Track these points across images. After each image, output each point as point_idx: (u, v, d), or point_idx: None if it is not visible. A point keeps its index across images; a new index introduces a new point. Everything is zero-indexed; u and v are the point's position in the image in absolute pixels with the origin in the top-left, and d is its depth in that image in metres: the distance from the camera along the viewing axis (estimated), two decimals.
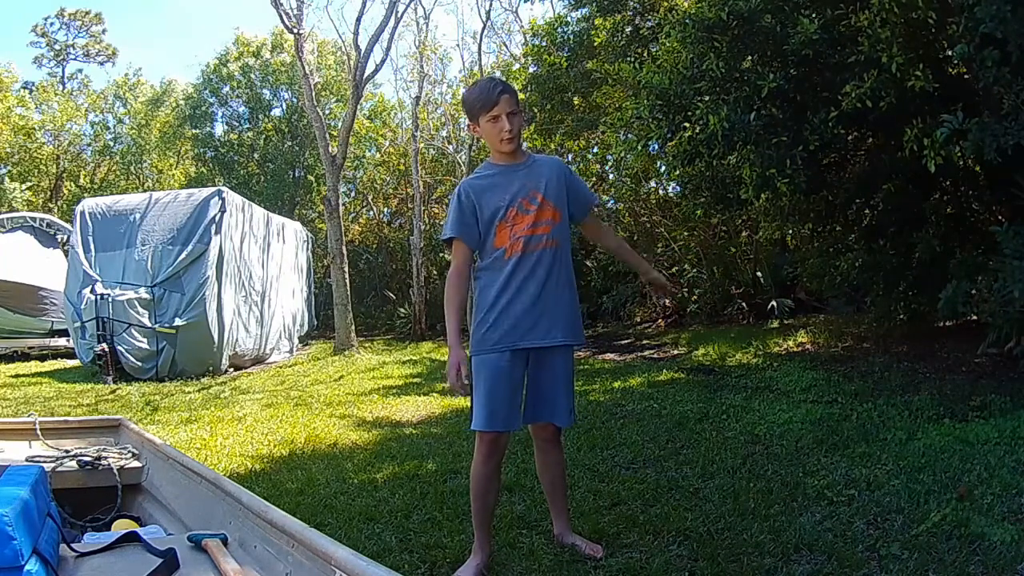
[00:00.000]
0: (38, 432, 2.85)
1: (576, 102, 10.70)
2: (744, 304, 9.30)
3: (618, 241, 2.70)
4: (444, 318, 2.39)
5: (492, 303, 2.34)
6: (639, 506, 2.88)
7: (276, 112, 19.68)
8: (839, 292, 7.20)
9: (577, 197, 2.49)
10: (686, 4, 6.17)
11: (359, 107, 13.17)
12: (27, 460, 2.53)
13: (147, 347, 8.00)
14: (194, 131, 19.61)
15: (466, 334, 2.41)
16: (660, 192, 11.10)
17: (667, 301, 2.66)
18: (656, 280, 2.69)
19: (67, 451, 2.67)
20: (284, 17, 10.47)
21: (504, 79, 2.60)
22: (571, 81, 10.46)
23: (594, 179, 13.01)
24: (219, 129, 20.03)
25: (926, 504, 2.67)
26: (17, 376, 8.56)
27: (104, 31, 27.00)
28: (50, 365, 9.81)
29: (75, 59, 26.34)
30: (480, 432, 2.34)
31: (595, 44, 8.87)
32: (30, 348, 10.69)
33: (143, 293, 8.08)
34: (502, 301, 2.34)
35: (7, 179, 18.56)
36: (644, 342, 9.07)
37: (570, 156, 13.13)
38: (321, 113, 12.26)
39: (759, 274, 9.60)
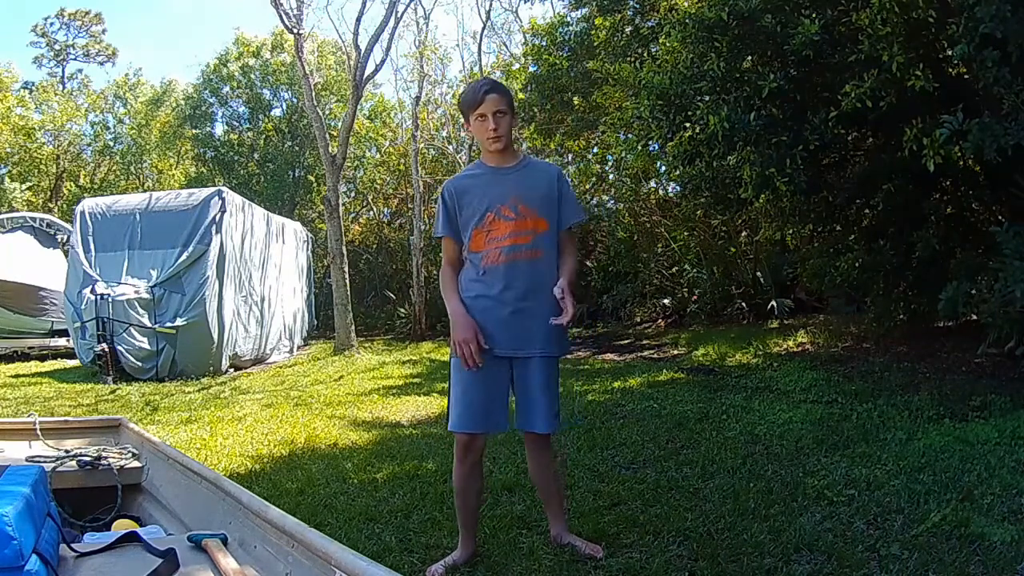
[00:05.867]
0: (38, 432, 2.85)
1: (576, 102, 10.70)
2: (744, 304, 9.31)
3: (567, 259, 2.43)
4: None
5: (472, 311, 2.34)
6: (639, 506, 2.88)
7: (276, 112, 19.69)
8: (839, 292, 7.21)
9: (561, 211, 2.41)
10: (686, 4, 6.16)
11: (359, 107, 13.17)
12: (27, 460, 2.53)
13: (147, 347, 8.00)
14: (194, 131, 19.61)
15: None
16: (660, 192, 11.11)
17: (564, 320, 2.38)
18: (560, 287, 2.30)
19: (67, 451, 2.67)
20: (284, 17, 10.47)
21: (499, 80, 2.56)
22: (571, 81, 10.46)
23: (594, 179, 13.03)
24: (219, 129, 20.05)
25: (926, 504, 2.67)
26: (17, 376, 8.56)
27: (104, 31, 27.05)
28: (50, 365, 9.81)
29: (75, 59, 26.39)
30: (455, 433, 2.38)
31: (595, 44, 8.88)
32: (30, 348, 10.68)
33: (143, 293, 8.08)
34: (480, 310, 2.33)
35: (7, 179, 18.56)
36: (644, 342, 9.07)
37: (570, 156, 13.15)
38: (321, 113, 12.25)
39: (759, 274, 9.61)
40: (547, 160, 13.72)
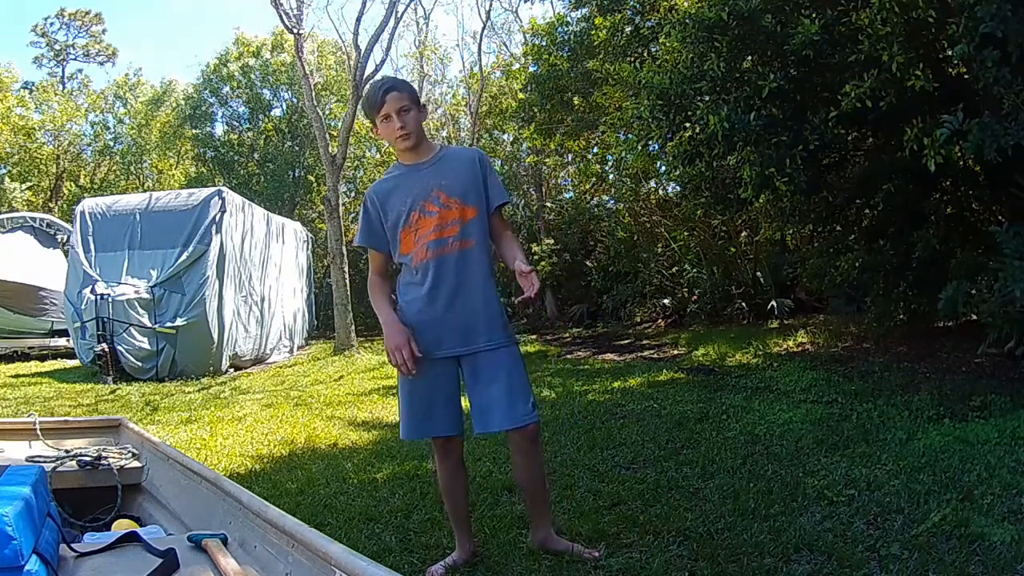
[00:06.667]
0: (38, 432, 2.85)
1: (576, 102, 10.70)
2: (744, 304, 9.31)
3: (508, 243, 2.39)
4: None
5: (408, 318, 2.29)
6: (639, 506, 2.87)
7: (276, 112, 19.70)
8: (839, 292, 7.20)
9: (489, 194, 2.35)
10: (686, 4, 6.16)
11: (359, 107, 13.17)
12: (27, 460, 2.53)
13: (147, 347, 8.00)
14: (194, 131, 19.62)
15: None
16: (660, 192, 11.11)
17: (531, 295, 2.19)
18: (518, 268, 2.23)
19: (67, 451, 2.67)
20: (284, 17, 10.48)
21: (399, 77, 2.53)
22: (571, 81, 10.46)
23: (594, 179, 13.03)
24: (219, 129, 20.08)
25: (926, 504, 2.67)
26: (17, 376, 8.56)
27: (104, 31, 27.03)
28: (50, 365, 9.81)
29: (75, 59, 26.36)
30: (431, 438, 2.38)
31: (595, 44, 8.88)
32: (30, 348, 10.69)
33: (143, 293, 8.08)
34: (415, 314, 2.28)
35: (7, 179, 18.57)
36: (644, 342, 9.07)
37: (570, 156, 13.15)
38: (321, 113, 12.25)
39: (759, 274, 9.61)
40: (547, 160, 13.79)
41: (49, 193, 20.43)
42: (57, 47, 25.85)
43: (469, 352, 2.28)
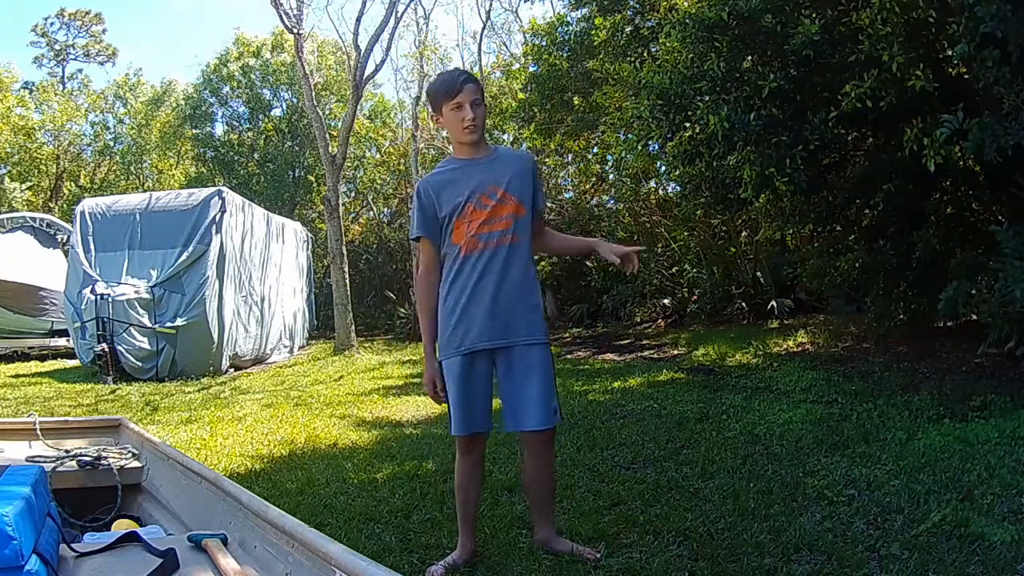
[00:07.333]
0: (38, 432, 2.85)
1: (576, 102, 10.69)
2: (744, 304, 9.30)
3: (560, 234, 2.53)
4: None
5: (452, 306, 2.34)
6: (639, 506, 2.87)
7: (276, 112, 19.70)
8: (839, 292, 7.20)
9: (536, 196, 2.44)
10: (686, 4, 6.16)
11: (359, 107, 13.17)
12: (27, 460, 2.53)
13: (147, 347, 8.00)
14: (194, 131, 19.63)
15: None
16: (660, 192, 11.10)
17: (633, 268, 2.51)
18: (615, 250, 2.47)
19: (67, 451, 2.67)
20: (284, 17, 10.48)
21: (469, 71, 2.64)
22: (571, 81, 10.45)
23: (594, 179, 13.02)
24: (219, 129, 20.07)
25: (926, 504, 2.67)
26: (17, 376, 8.56)
27: (104, 31, 27.03)
28: (50, 365, 9.81)
29: (75, 59, 26.35)
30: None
31: (595, 44, 8.88)
32: (30, 348, 10.68)
33: (143, 293, 8.08)
34: (460, 303, 2.32)
35: (7, 179, 18.57)
36: (644, 342, 9.07)
37: (570, 156, 13.14)
38: (321, 113, 12.26)
39: (759, 274, 9.60)
40: (547, 160, 13.79)
41: (49, 193, 20.43)
42: (57, 47, 25.85)
43: (507, 344, 2.31)
